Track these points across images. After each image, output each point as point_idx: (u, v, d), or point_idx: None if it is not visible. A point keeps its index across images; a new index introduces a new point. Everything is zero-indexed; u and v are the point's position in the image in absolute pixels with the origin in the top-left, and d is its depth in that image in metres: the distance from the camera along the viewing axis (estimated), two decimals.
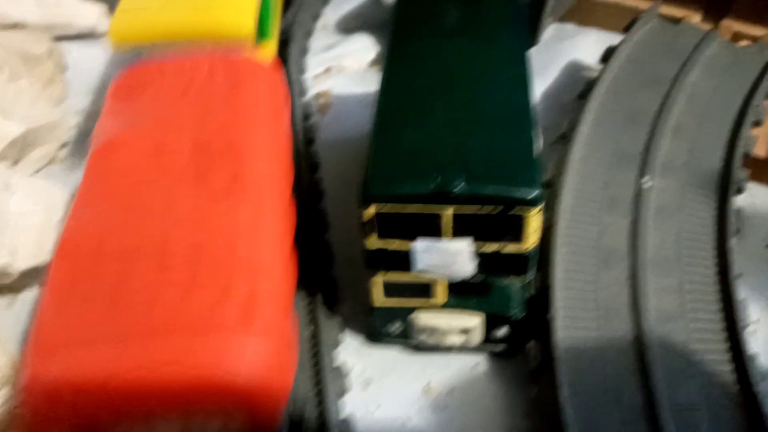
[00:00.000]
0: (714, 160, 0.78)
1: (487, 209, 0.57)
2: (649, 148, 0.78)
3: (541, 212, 0.58)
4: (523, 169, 0.58)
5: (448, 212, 0.58)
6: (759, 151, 0.83)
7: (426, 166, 0.58)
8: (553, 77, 1.03)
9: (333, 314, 0.74)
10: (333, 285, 0.77)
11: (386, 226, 0.60)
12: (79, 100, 1.08)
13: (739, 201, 0.77)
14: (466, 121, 0.62)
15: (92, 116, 1.07)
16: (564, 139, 0.82)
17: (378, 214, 0.59)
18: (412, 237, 0.60)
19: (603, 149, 0.79)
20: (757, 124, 0.83)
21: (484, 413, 0.66)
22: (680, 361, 0.63)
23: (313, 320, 0.72)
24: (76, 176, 0.95)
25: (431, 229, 0.59)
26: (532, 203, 0.56)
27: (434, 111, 0.63)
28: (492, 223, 0.58)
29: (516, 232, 0.59)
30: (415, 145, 0.60)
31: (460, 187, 0.56)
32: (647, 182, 0.75)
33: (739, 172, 0.77)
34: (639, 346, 0.64)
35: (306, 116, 0.98)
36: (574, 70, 1.04)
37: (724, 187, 0.75)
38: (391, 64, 0.69)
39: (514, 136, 0.61)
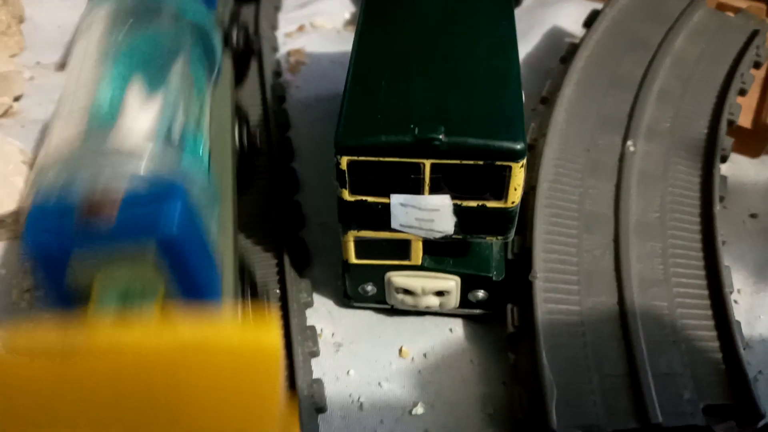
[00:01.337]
0: (699, 127, 0.76)
1: (468, 162, 0.54)
2: (634, 112, 0.76)
3: (524, 167, 0.54)
4: (508, 121, 0.55)
5: (427, 164, 0.54)
6: (743, 121, 0.81)
7: (405, 116, 0.54)
8: (534, 43, 1.00)
9: (303, 277, 0.71)
10: (303, 247, 0.74)
11: (361, 180, 0.56)
12: (36, 55, 1.02)
13: (723, 170, 0.75)
14: (447, 76, 0.58)
15: (50, 71, 1.01)
16: (545, 103, 0.80)
17: (352, 166, 0.55)
18: (389, 191, 0.57)
19: (586, 112, 0.76)
20: (743, 93, 0.81)
21: (460, 379, 0.63)
22: (663, 327, 0.61)
23: (282, 281, 0.68)
24: (30, 129, 0.91)
25: (409, 182, 0.56)
26: (517, 156, 0.53)
27: (414, 67, 0.59)
28: (473, 177, 0.55)
29: (498, 187, 0.55)
30: (394, 97, 0.56)
31: (440, 137, 0.52)
32: (631, 146, 0.72)
33: (725, 139, 0.75)
34: (621, 311, 0.62)
35: (277, 74, 0.94)
36: (556, 35, 1.01)
37: (710, 154, 0.73)
38: (367, 19, 0.65)
39: (499, 90, 0.57)
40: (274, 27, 1.03)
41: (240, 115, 0.77)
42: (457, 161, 0.54)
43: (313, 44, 1.00)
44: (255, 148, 0.77)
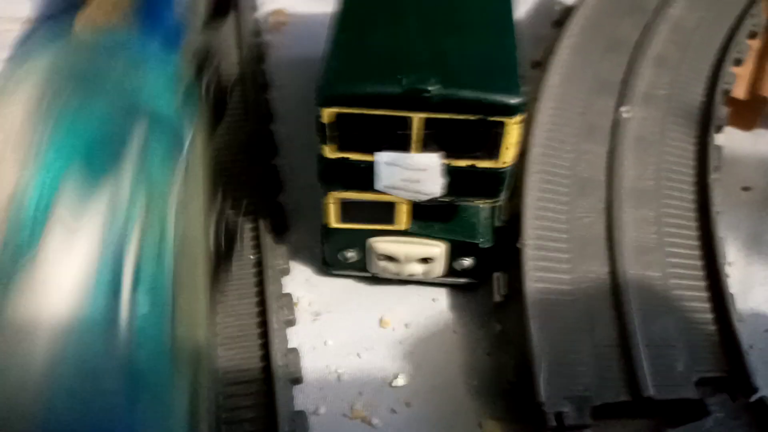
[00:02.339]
0: (695, 95, 0.74)
1: (461, 116, 0.50)
2: (629, 77, 0.73)
3: (520, 123, 0.51)
4: (505, 74, 0.51)
5: (416, 118, 0.51)
6: (738, 92, 0.78)
7: (394, 65, 0.50)
8: (524, 10, 0.97)
9: (280, 243, 0.67)
10: (281, 212, 0.70)
11: (344, 133, 0.52)
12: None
13: (718, 141, 0.72)
14: (441, 24, 0.55)
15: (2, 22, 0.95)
16: (539, 66, 0.77)
17: (335, 120, 0.51)
18: (374, 148, 0.53)
19: (581, 76, 0.73)
20: (738, 63, 0.78)
21: (443, 350, 0.61)
22: (656, 296, 0.59)
23: (258, 246, 0.65)
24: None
25: (396, 139, 0.52)
26: (513, 111, 0.50)
27: (406, 13, 0.56)
28: (467, 133, 0.51)
29: (492, 145, 0.52)
30: (384, 45, 0.52)
31: (434, 87, 0.49)
32: (627, 112, 0.70)
33: (721, 108, 0.73)
34: (613, 279, 0.59)
35: (257, 33, 0.90)
36: (546, 2, 0.98)
37: (705, 122, 0.71)
38: None
39: (495, 42, 0.54)
40: None
41: (219, 206, 0.60)
42: (449, 115, 0.50)
43: (295, 4, 0.96)
44: (232, 243, 0.61)
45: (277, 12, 0.94)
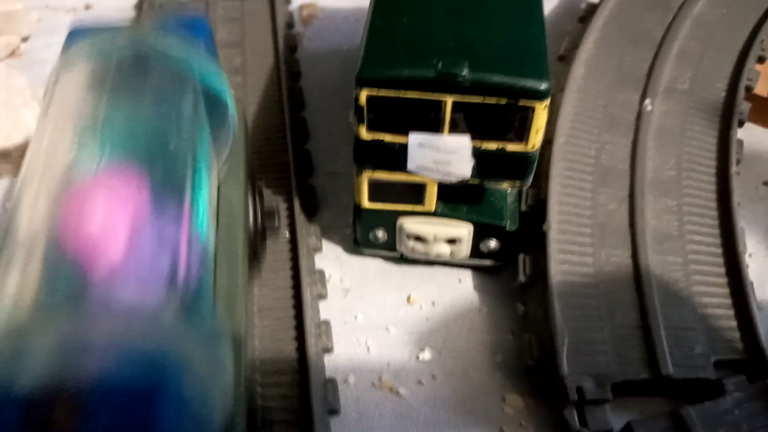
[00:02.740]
0: (717, 90, 0.75)
1: (491, 100, 0.53)
2: (653, 71, 0.75)
3: (547, 108, 0.54)
4: (533, 60, 0.54)
5: (448, 102, 0.53)
6: (760, 89, 0.80)
7: (428, 51, 0.53)
8: (550, 7, 0.99)
9: (312, 221, 0.70)
10: (312, 194, 0.73)
11: (380, 115, 0.55)
12: None
13: (739, 135, 0.74)
14: (470, 10, 0.57)
15: (58, 11, 0.99)
16: (563, 60, 0.79)
17: (371, 101, 0.54)
18: (407, 130, 0.55)
19: (605, 69, 0.75)
20: (761, 60, 0.80)
21: (468, 328, 0.63)
22: (676, 282, 0.60)
23: (291, 224, 0.67)
24: (36, 70, 0.90)
25: (428, 121, 0.55)
26: (541, 96, 0.52)
27: (437, 1, 0.58)
28: (496, 117, 0.54)
29: (520, 128, 0.54)
30: (416, 30, 0.55)
31: (464, 72, 0.51)
32: (649, 105, 0.72)
33: (743, 104, 0.74)
34: (635, 264, 0.61)
35: (289, 25, 0.93)
36: (571, 0, 1.00)
37: (727, 116, 0.72)
38: None
39: (523, 28, 0.56)
40: None
41: (254, 187, 0.61)
42: (480, 99, 0.52)
43: None
44: (271, 225, 0.62)
45: (309, 5, 0.97)
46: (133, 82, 0.47)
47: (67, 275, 0.38)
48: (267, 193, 0.70)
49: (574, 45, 0.78)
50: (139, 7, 0.97)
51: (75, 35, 0.52)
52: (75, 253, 0.38)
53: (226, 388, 0.39)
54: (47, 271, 0.38)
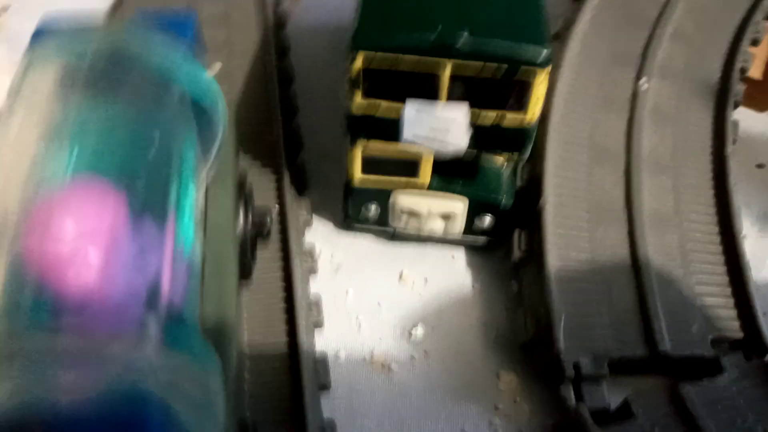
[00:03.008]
0: (712, 71, 0.75)
1: (490, 68, 0.51)
2: (648, 50, 0.74)
3: (547, 76, 0.52)
4: (532, 27, 0.52)
5: (447, 67, 0.52)
6: (754, 72, 0.79)
7: (426, 14, 0.51)
8: None
9: (302, 199, 0.68)
10: (302, 171, 0.71)
11: (375, 82, 0.53)
12: None
13: (734, 117, 0.73)
14: None
15: None
16: (558, 38, 0.77)
17: (368, 66, 0.52)
18: (403, 98, 0.54)
19: (600, 48, 0.74)
20: (755, 43, 0.79)
21: (461, 305, 0.61)
22: (673, 260, 0.60)
23: (281, 202, 0.65)
24: (15, 42, 0.87)
25: (425, 89, 0.53)
26: (541, 64, 0.51)
27: None
28: (495, 85, 0.52)
29: (519, 98, 0.53)
30: None
31: (463, 39, 0.50)
32: (644, 83, 0.71)
33: (737, 85, 0.73)
34: (631, 242, 0.60)
35: (277, 2, 0.91)
36: None
37: (723, 96, 0.72)
38: None
39: None
40: None
41: (243, 187, 0.58)
42: (479, 65, 0.51)
43: None
44: (262, 231, 0.58)
45: None
46: (108, 86, 0.43)
47: (32, 300, 0.34)
48: (255, 170, 0.68)
49: (569, 24, 0.77)
50: None
51: (44, 31, 0.48)
52: (42, 275, 0.35)
53: (215, 420, 0.36)
54: (10, 294, 0.34)
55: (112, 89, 0.44)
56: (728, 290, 0.59)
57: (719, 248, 0.61)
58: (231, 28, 0.86)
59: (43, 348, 0.33)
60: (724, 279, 0.59)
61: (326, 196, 0.70)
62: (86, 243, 0.38)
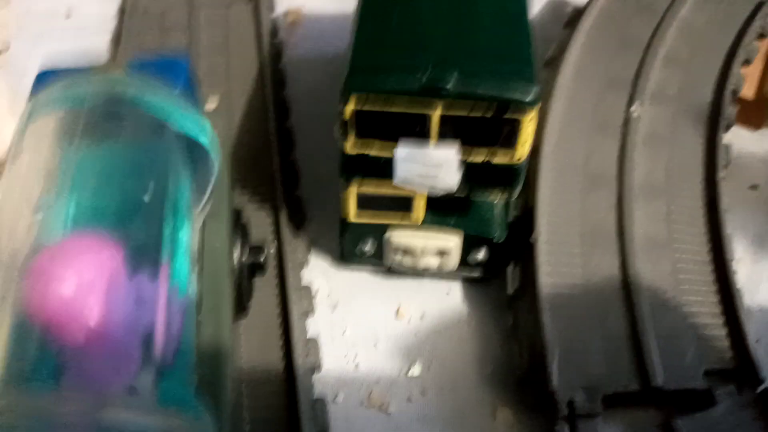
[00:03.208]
0: (705, 94, 0.75)
1: (480, 108, 0.52)
2: (640, 75, 0.74)
3: (536, 116, 0.53)
4: (521, 66, 0.53)
5: (436, 110, 0.52)
6: (746, 92, 0.80)
7: (415, 58, 0.52)
8: (535, 11, 0.98)
9: (299, 234, 0.69)
10: (299, 204, 0.72)
11: (367, 123, 0.54)
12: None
13: (726, 140, 0.74)
14: (458, 14, 0.57)
15: (42, 17, 0.98)
16: (551, 64, 0.78)
17: (358, 110, 0.53)
18: (395, 138, 0.55)
19: (592, 74, 0.75)
20: (748, 63, 0.80)
21: (458, 340, 0.62)
22: (666, 290, 0.60)
23: (278, 238, 0.66)
24: (14, 80, 0.88)
25: (416, 129, 0.54)
26: (530, 104, 0.52)
27: (423, 6, 0.58)
28: (484, 125, 0.53)
29: (509, 137, 0.54)
30: (404, 36, 0.54)
31: (452, 81, 0.51)
32: (637, 109, 0.71)
33: (729, 108, 0.74)
34: (624, 272, 0.61)
35: (274, 33, 0.92)
36: (558, 4, 0.99)
37: (714, 121, 0.72)
38: None
39: (510, 32, 0.56)
40: None
41: (239, 224, 0.59)
42: (468, 107, 0.52)
43: (312, 4, 0.97)
44: (258, 265, 0.59)
45: (293, 12, 0.96)
46: (106, 132, 0.45)
47: (35, 350, 0.36)
48: (252, 207, 0.69)
49: (561, 50, 0.77)
50: (121, 11, 0.96)
51: (44, 78, 0.50)
52: (44, 329, 0.37)
53: None
54: (14, 345, 0.36)
55: (109, 135, 0.46)
56: (721, 319, 0.59)
57: (712, 276, 0.62)
58: (230, 58, 0.87)
59: (46, 399, 0.35)
60: (717, 307, 0.60)
61: (324, 229, 0.70)
62: (85, 297, 0.39)
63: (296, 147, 0.79)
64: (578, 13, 0.83)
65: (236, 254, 0.56)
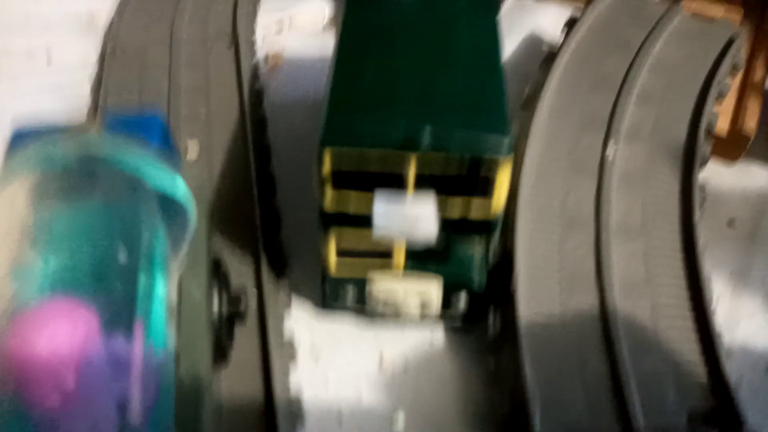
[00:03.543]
0: (679, 132, 0.76)
1: (454, 161, 0.53)
2: (615, 115, 0.76)
3: (511, 163, 0.54)
4: (495, 114, 0.54)
5: (411, 162, 0.53)
6: (721, 127, 0.81)
7: (389, 108, 0.53)
8: (511, 49, 1.00)
9: (280, 282, 0.69)
10: (280, 251, 0.72)
11: (345, 174, 0.55)
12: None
13: (702, 176, 0.75)
14: (431, 65, 0.57)
15: (21, 58, 0.98)
16: (527, 106, 0.79)
17: (335, 161, 0.53)
18: (371, 188, 0.55)
19: (568, 114, 0.76)
20: (721, 98, 0.81)
21: (441, 387, 0.62)
22: (646, 331, 0.61)
23: (259, 285, 0.66)
24: None
25: (392, 180, 0.54)
26: (504, 151, 0.52)
27: (397, 54, 0.59)
28: (460, 174, 0.54)
29: (484, 185, 0.54)
30: (378, 88, 0.55)
31: (427, 134, 0.51)
32: (612, 149, 0.72)
33: (704, 145, 0.75)
34: (603, 314, 0.61)
35: (255, 76, 0.92)
36: (533, 41, 1.01)
37: (690, 159, 0.73)
38: (350, 8, 0.64)
39: (483, 82, 0.57)
40: (252, 26, 1.01)
41: (218, 274, 0.59)
42: (443, 157, 0.53)
43: (293, 45, 0.98)
44: (238, 313, 0.59)
45: (275, 55, 0.97)
46: (80, 192, 0.46)
47: (11, 416, 0.37)
48: (232, 254, 0.69)
49: (537, 90, 0.79)
50: (100, 53, 0.96)
51: (19, 139, 0.51)
52: (20, 391, 0.38)
53: None
54: None
55: (84, 195, 0.46)
56: (701, 360, 0.60)
57: (691, 317, 0.62)
58: (210, 102, 0.88)
59: None
60: (697, 349, 0.60)
61: (306, 274, 0.71)
62: (60, 362, 0.39)
63: (278, 189, 0.79)
64: (553, 53, 0.84)
65: (216, 304, 0.56)
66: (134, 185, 0.47)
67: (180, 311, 0.51)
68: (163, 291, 0.46)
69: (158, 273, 0.46)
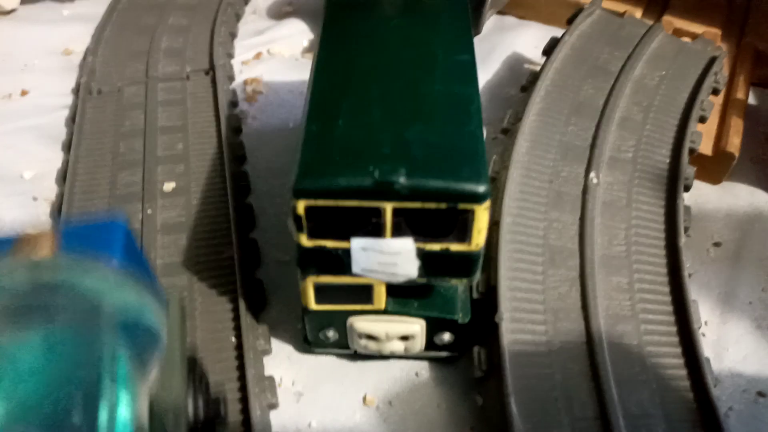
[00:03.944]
0: (661, 156, 0.75)
1: (431, 205, 0.52)
2: (596, 141, 0.75)
3: (488, 208, 0.53)
4: (470, 161, 0.52)
5: (388, 208, 0.52)
6: (704, 148, 0.80)
7: (363, 157, 0.52)
8: (493, 70, 0.99)
9: (259, 321, 0.67)
10: (260, 288, 0.71)
11: (319, 223, 0.53)
12: None
13: (686, 197, 0.74)
14: (406, 109, 0.56)
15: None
16: (507, 133, 0.78)
17: (309, 210, 0.52)
18: (348, 236, 0.54)
19: (548, 142, 0.75)
20: (703, 120, 0.81)
21: (427, 424, 0.61)
22: (633, 364, 0.60)
23: (238, 327, 0.65)
24: None
25: (369, 227, 0.53)
26: (480, 199, 0.51)
27: (371, 99, 0.57)
28: (436, 220, 0.53)
29: (462, 230, 0.53)
30: (351, 134, 0.54)
31: (401, 180, 0.50)
32: (594, 177, 0.71)
33: (687, 168, 0.74)
34: (589, 349, 0.60)
35: (233, 104, 0.91)
36: (515, 61, 1.01)
37: (673, 184, 0.73)
38: (324, 48, 0.63)
39: (459, 126, 0.55)
40: (230, 55, 1.00)
41: (194, 376, 0.55)
42: (419, 204, 0.51)
43: (271, 72, 0.97)
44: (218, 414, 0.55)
45: (253, 81, 0.96)
46: (30, 322, 0.41)
47: None
48: (210, 293, 0.68)
49: (517, 118, 0.78)
50: (76, 91, 0.95)
51: None
52: None
53: None
54: None
55: (33, 326, 0.41)
56: (690, 394, 0.59)
57: (678, 348, 0.61)
58: (188, 133, 0.86)
59: None
60: (685, 382, 0.59)
61: (286, 312, 0.69)
62: None
63: (257, 225, 0.78)
64: (534, 77, 0.83)
65: (192, 408, 0.51)
66: (91, 309, 0.43)
67: (153, 424, 0.47)
68: (128, 409, 0.43)
69: (122, 396, 0.43)
